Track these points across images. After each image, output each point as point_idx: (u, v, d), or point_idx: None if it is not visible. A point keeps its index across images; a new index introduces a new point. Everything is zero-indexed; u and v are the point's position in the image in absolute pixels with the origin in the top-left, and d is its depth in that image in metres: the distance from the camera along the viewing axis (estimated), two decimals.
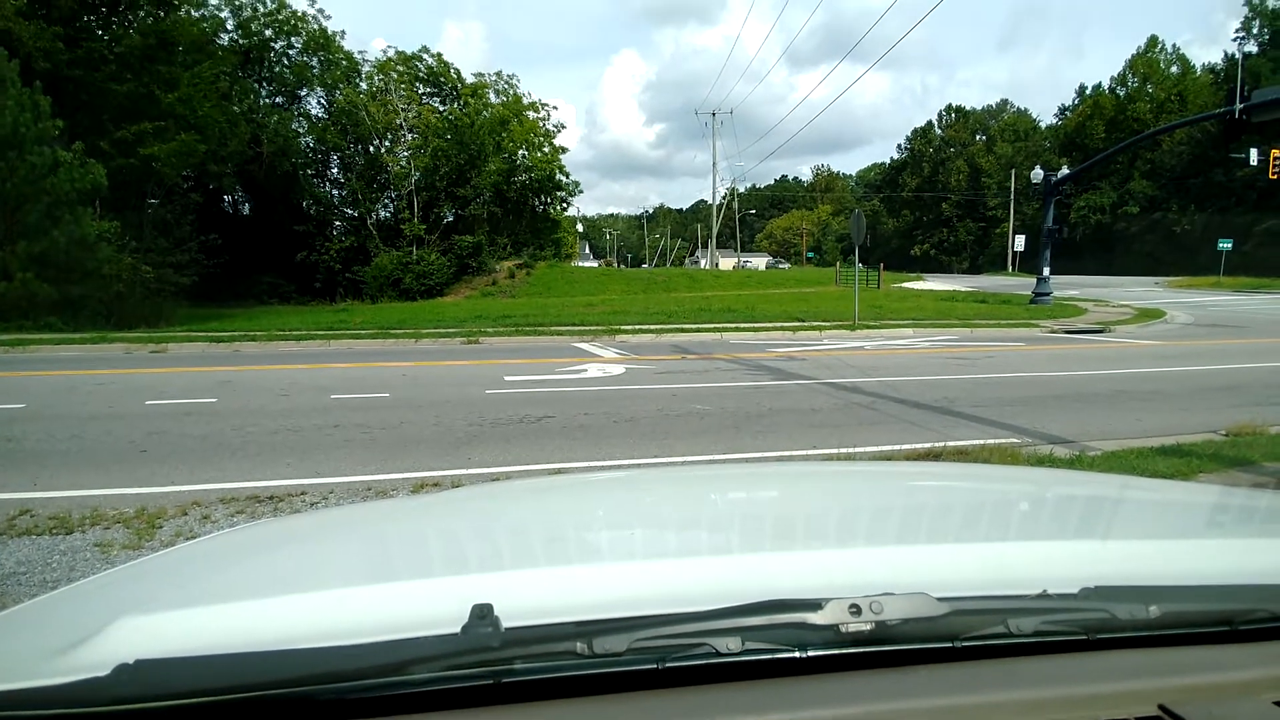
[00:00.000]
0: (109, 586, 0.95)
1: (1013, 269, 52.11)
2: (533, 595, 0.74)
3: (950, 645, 0.65)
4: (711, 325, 16.09)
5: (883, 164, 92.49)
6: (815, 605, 0.64)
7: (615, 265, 67.85)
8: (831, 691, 0.62)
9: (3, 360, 11.04)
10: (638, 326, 15.62)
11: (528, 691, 0.60)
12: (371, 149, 34.58)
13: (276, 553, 1.06)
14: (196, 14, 28.71)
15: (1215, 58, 64.81)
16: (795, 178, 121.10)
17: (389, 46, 44.29)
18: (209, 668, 0.57)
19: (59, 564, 3.28)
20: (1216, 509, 1.25)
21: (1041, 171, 23.21)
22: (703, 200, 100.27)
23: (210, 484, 4.56)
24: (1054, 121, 68.02)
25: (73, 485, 4.51)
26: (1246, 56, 46.82)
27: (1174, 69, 56.54)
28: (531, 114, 35.14)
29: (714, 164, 49.39)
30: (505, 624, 0.61)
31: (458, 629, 0.60)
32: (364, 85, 35.36)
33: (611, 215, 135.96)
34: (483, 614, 0.61)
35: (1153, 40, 57.57)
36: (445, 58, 36.62)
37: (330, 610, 0.72)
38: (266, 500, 4.21)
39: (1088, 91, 62.04)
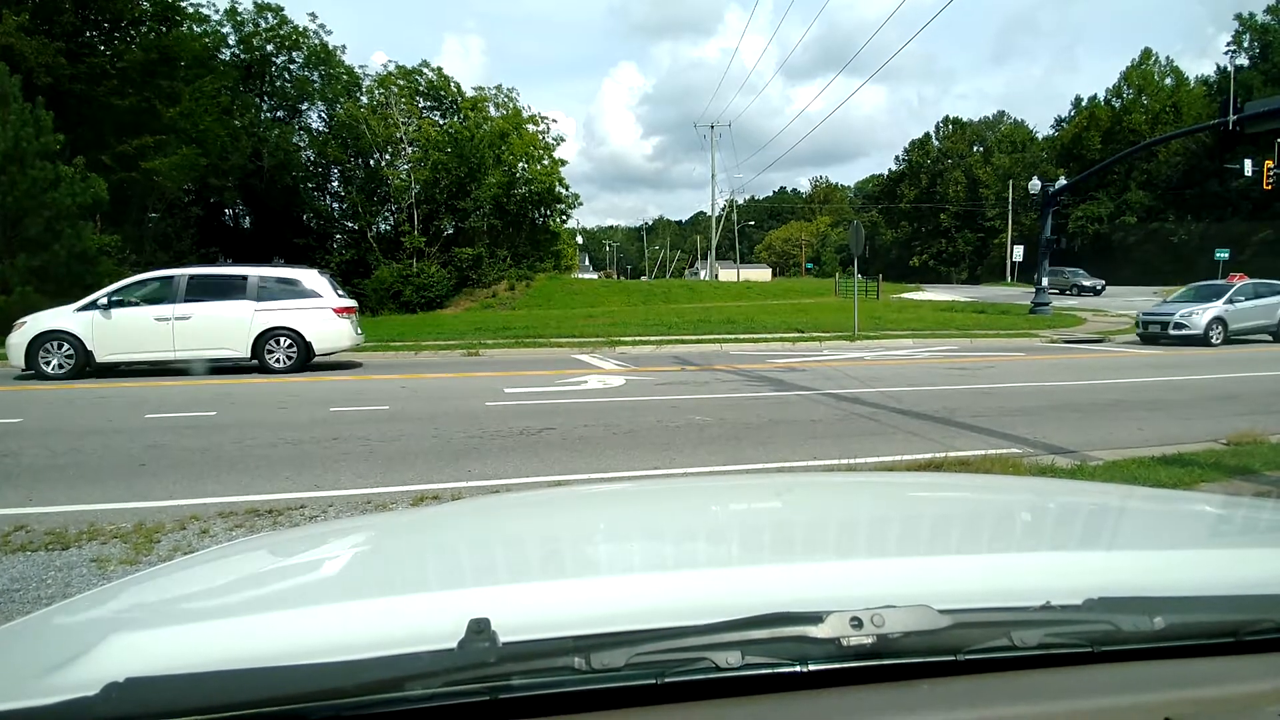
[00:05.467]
0: (102, 603, 0.94)
1: (1011, 279, 52.22)
2: (530, 609, 0.73)
3: (953, 658, 0.65)
4: (711, 336, 16.11)
5: (881, 175, 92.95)
6: (816, 618, 0.63)
7: (615, 277, 67.95)
8: (833, 706, 0.62)
9: (0, 374, 11.02)
10: (638, 338, 15.64)
11: (525, 708, 0.59)
12: (372, 162, 34.78)
13: (272, 567, 1.05)
14: (198, 29, 29.04)
15: (1208, 70, 65.60)
16: (794, 189, 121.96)
17: (389, 61, 44.78)
18: (201, 685, 0.56)
19: (54, 580, 3.26)
20: (1220, 518, 1.25)
21: (1039, 182, 23.43)
22: (701, 212, 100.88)
23: (209, 498, 4.54)
24: (1050, 133, 68.51)
25: (70, 500, 4.49)
26: (1238, 69, 47.27)
27: (1168, 81, 56.95)
28: (531, 127, 35.37)
29: (713, 176, 49.79)
30: (502, 639, 0.60)
31: (454, 644, 0.60)
32: (364, 99, 35.65)
33: (610, 227, 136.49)
34: (479, 629, 0.61)
35: (1146, 53, 58.08)
36: (445, 71, 37.00)
37: (326, 625, 0.72)
38: (265, 514, 4.19)
39: (1083, 103, 62.48)
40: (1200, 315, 15.44)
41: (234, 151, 27.04)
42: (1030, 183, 24.83)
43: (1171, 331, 15.60)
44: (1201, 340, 15.20)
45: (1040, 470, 4.83)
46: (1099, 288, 37.21)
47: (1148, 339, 16.08)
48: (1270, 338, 16.43)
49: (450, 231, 34.35)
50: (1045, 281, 21.81)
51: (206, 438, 6.27)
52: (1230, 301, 15.99)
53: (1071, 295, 35.45)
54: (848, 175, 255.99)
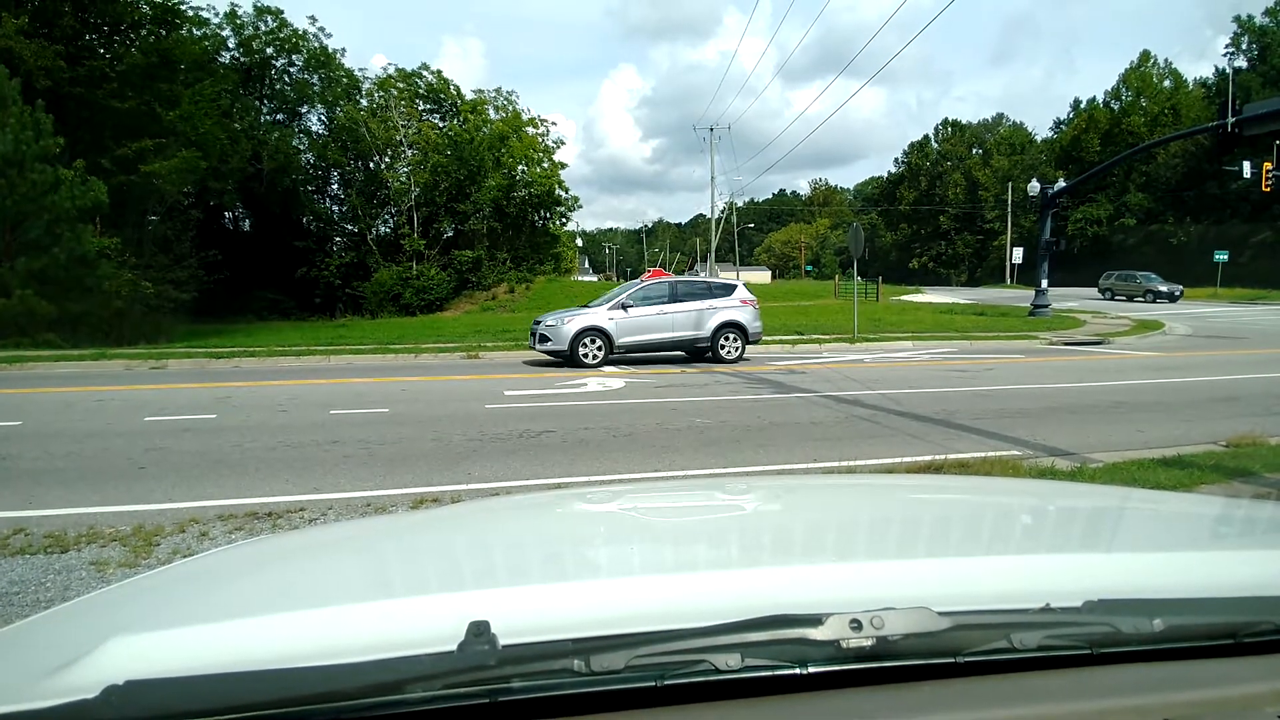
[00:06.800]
0: (102, 605, 0.94)
1: (1011, 281, 52.27)
2: (530, 612, 0.73)
3: (953, 660, 0.65)
4: None
5: (880, 178, 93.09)
6: (816, 620, 0.63)
7: (614, 279, 67.89)
8: (832, 709, 0.62)
9: (0, 377, 11.02)
10: None
11: (524, 710, 0.59)
12: (371, 165, 34.80)
13: (272, 570, 1.05)
14: (198, 32, 29.09)
15: (1206, 72, 65.72)
16: (793, 192, 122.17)
17: (389, 64, 44.92)
18: (201, 688, 0.56)
19: (53, 583, 3.25)
20: (1219, 520, 1.25)
21: (1038, 184, 23.35)
22: (701, 214, 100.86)
23: (208, 501, 4.54)
24: (1049, 135, 68.67)
25: (69, 503, 4.48)
26: (1236, 71, 47.35)
27: (1167, 83, 57.02)
28: (530, 130, 35.41)
29: (712, 178, 49.81)
30: (502, 641, 0.60)
31: (454, 647, 0.60)
32: (364, 102, 35.68)
33: (610, 229, 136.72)
34: (479, 631, 0.61)
35: (1145, 55, 58.15)
36: (445, 74, 37.04)
37: (326, 628, 0.71)
38: (265, 517, 4.19)
39: (1082, 105, 62.58)
40: (568, 325, 11.64)
41: (234, 154, 27.03)
42: (1029, 185, 24.77)
43: (536, 347, 12.03)
44: (569, 359, 11.58)
45: (1040, 472, 4.83)
46: (1176, 294, 31.38)
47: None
48: (710, 354, 12.35)
49: (450, 234, 34.36)
50: (1045, 283, 21.80)
51: (206, 440, 6.27)
52: (623, 306, 12.01)
53: (1145, 301, 30.77)
54: (847, 178, 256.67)
